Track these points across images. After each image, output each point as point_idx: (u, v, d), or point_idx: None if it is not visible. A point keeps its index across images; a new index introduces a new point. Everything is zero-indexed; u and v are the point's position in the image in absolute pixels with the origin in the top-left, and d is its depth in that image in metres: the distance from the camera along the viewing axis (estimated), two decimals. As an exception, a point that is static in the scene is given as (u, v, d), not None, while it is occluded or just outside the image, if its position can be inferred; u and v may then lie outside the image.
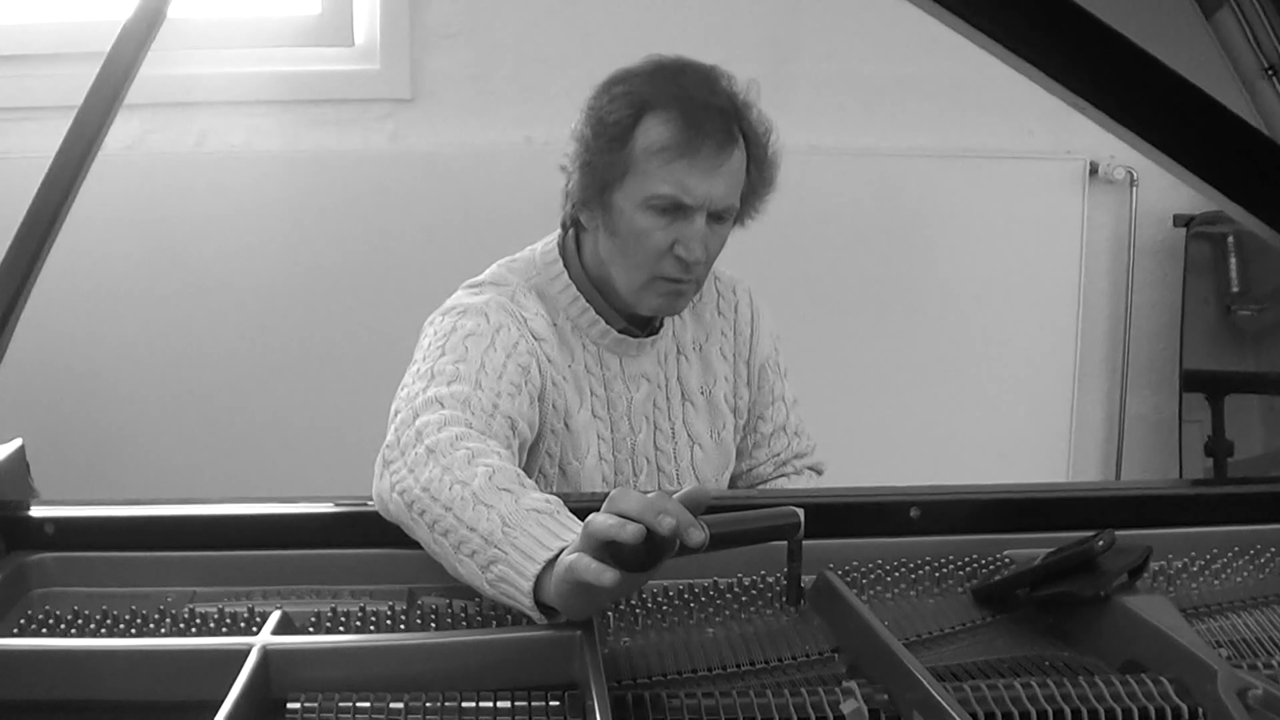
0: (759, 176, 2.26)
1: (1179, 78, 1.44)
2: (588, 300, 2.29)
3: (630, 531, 1.38)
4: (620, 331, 2.31)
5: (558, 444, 2.25)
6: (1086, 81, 1.45)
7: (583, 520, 1.49)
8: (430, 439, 1.81)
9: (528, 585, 1.55)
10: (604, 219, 2.22)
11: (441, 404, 1.92)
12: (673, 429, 2.40)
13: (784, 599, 1.79)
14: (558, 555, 1.53)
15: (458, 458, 1.75)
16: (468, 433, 1.85)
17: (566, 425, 2.25)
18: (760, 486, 2.58)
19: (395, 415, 1.93)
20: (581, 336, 2.30)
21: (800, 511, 1.70)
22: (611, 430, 2.33)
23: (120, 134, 3.76)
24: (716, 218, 2.19)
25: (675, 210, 2.15)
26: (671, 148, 2.12)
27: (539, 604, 1.56)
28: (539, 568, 1.54)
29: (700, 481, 2.41)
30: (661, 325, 2.38)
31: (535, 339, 2.19)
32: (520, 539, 1.58)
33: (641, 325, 2.35)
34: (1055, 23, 1.42)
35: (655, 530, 1.39)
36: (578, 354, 2.29)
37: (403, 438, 1.85)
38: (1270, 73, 1.81)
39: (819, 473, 2.65)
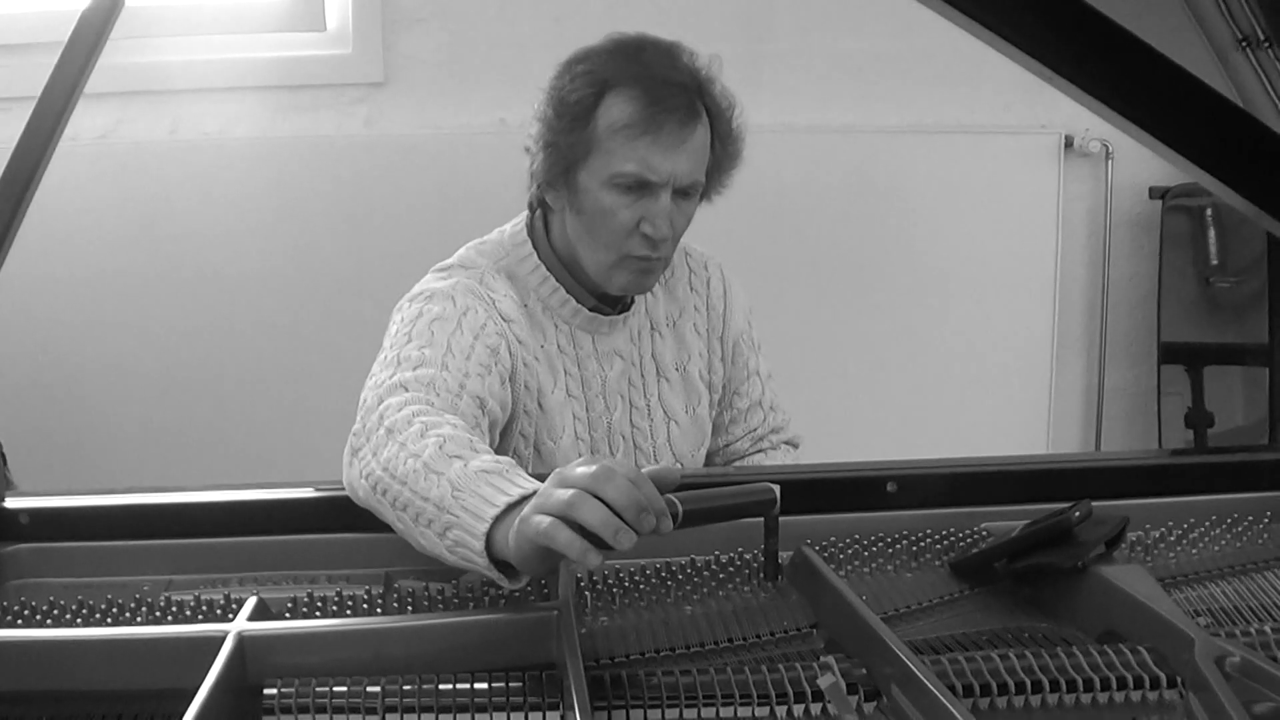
0: (724, 152, 2.27)
1: (1152, 51, 1.44)
2: (557, 280, 2.30)
3: (623, 541, 1.40)
4: (591, 310, 2.32)
5: (531, 424, 2.25)
6: (1060, 56, 1.45)
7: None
8: (390, 419, 1.81)
9: (479, 545, 1.55)
10: (570, 199, 2.22)
11: (406, 388, 1.92)
12: (648, 406, 2.41)
13: (761, 575, 1.79)
14: (506, 510, 1.54)
15: (412, 433, 1.75)
16: (425, 409, 1.84)
17: (540, 405, 2.26)
18: (737, 463, 2.59)
19: (363, 404, 1.93)
20: (553, 316, 2.30)
21: (776, 488, 1.71)
22: (587, 409, 2.33)
23: (93, 123, 3.75)
24: (682, 194, 2.20)
25: (640, 188, 2.16)
26: (634, 125, 2.13)
27: (495, 562, 1.56)
28: (487, 525, 1.54)
29: (676, 457, 2.43)
30: (633, 302, 2.39)
31: (504, 320, 2.19)
32: (469, 500, 1.58)
33: (612, 303, 2.35)
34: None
35: (637, 531, 1.40)
36: (550, 334, 2.29)
37: (367, 424, 1.85)
38: (1244, 44, 1.81)
39: (795, 446, 2.66)
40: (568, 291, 2.30)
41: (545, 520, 1.42)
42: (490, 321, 2.15)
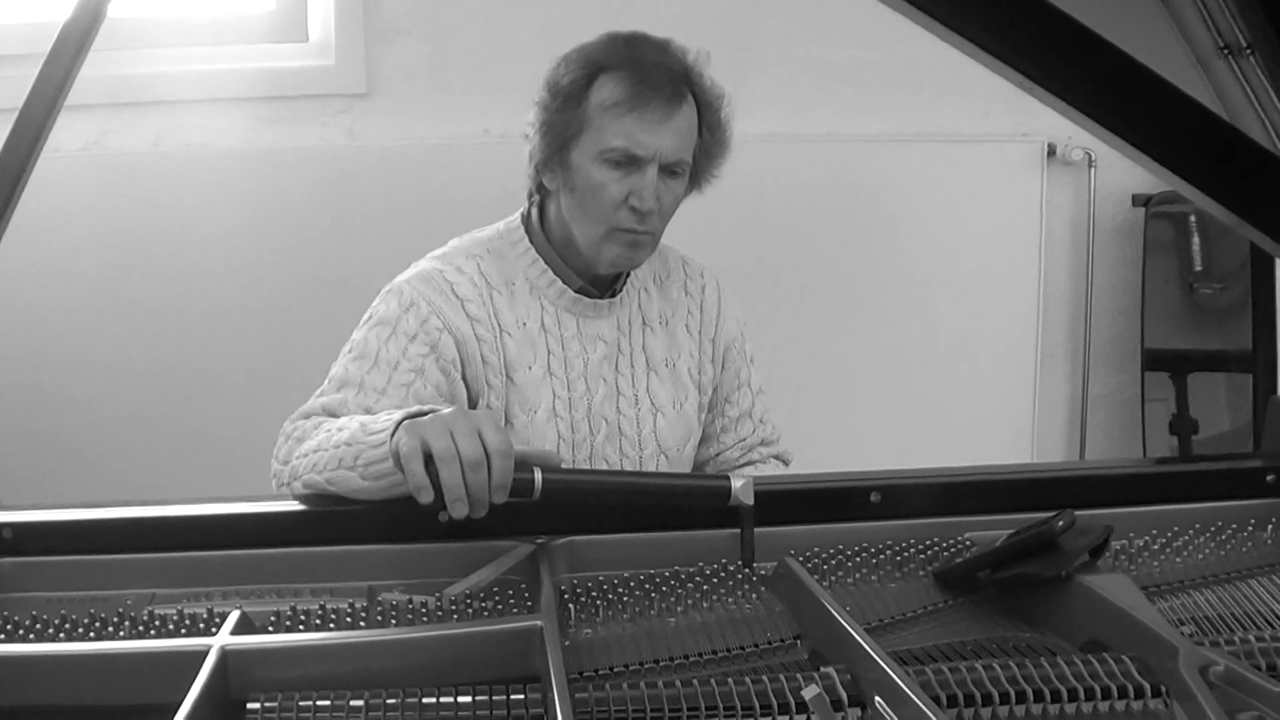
0: (712, 139, 2.39)
1: (1131, 60, 1.44)
2: (546, 262, 2.41)
3: (458, 511, 1.77)
4: (577, 291, 2.42)
5: (500, 398, 2.34)
6: (1040, 66, 1.45)
7: None
8: (294, 435, 2.17)
9: (386, 448, 1.84)
10: (563, 177, 2.34)
11: (307, 416, 2.20)
12: (635, 395, 2.47)
13: (740, 573, 1.82)
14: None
15: (312, 443, 2.06)
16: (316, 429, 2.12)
17: (510, 378, 2.35)
18: (728, 472, 2.60)
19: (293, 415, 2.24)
20: (539, 296, 2.40)
21: (731, 483, 1.84)
22: (568, 389, 2.40)
23: (76, 135, 3.74)
24: (669, 172, 2.31)
25: (629, 163, 2.28)
26: (622, 102, 2.26)
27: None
28: (391, 428, 1.85)
29: (662, 449, 2.51)
30: (621, 288, 2.47)
31: (457, 298, 2.32)
32: (374, 425, 1.91)
33: (602, 289, 2.45)
34: (1005, 5, 1.42)
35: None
36: (534, 313, 2.39)
37: (281, 451, 2.17)
38: (1226, 51, 1.81)
39: (785, 463, 2.70)
40: (555, 273, 2.41)
41: (415, 461, 1.77)
42: (433, 316, 2.30)
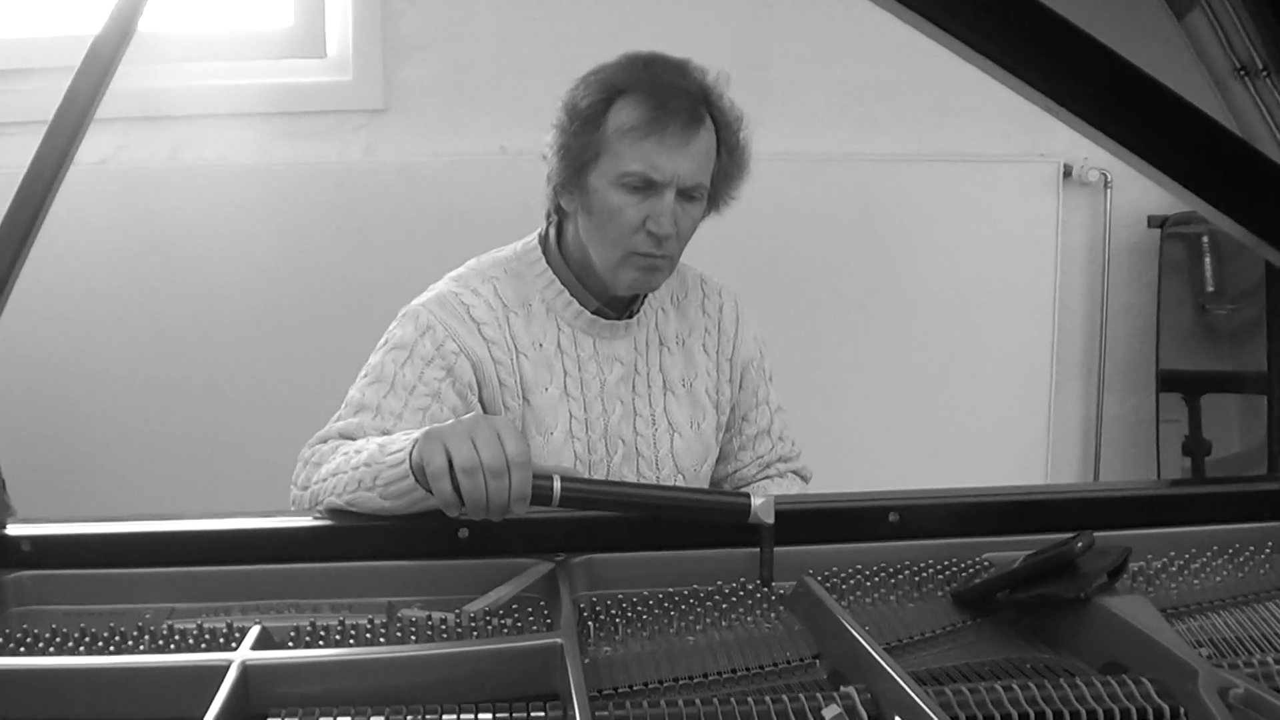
0: (730, 162, 2.38)
1: (1150, 79, 1.44)
2: (563, 283, 2.40)
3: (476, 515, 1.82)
4: (594, 313, 2.42)
5: (517, 419, 2.35)
6: (1058, 85, 1.45)
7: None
8: (312, 459, 2.19)
9: (404, 467, 1.88)
10: (581, 200, 2.33)
11: (324, 440, 2.22)
12: (653, 415, 2.48)
13: (763, 605, 1.80)
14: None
15: (338, 455, 2.10)
16: (339, 445, 2.17)
17: (527, 400, 2.35)
18: (745, 488, 2.62)
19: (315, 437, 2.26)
20: (556, 318, 2.41)
21: (751, 500, 1.87)
22: (585, 410, 2.41)
23: (94, 148, 3.74)
24: (686, 196, 2.30)
25: (646, 187, 2.27)
26: (640, 127, 2.24)
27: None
28: (408, 449, 1.88)
29: (679, 468, 2.50)
30: (638, 310, 2.47)
31: (473, 321, 2.33)
32: (392, 445, 1.93)
33: (618, 311, 2.45)
34: (1026, 26, 1.42)
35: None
36: (550, 334, 2.39)
37: (300, 476, 2.20)
38: (1242, 72, 1.81)
39: (805, 479, 2.69)
40: (571, 294, 2.41)
41: (442, 480, 1.80)
42: (449, 340, 2.31)
